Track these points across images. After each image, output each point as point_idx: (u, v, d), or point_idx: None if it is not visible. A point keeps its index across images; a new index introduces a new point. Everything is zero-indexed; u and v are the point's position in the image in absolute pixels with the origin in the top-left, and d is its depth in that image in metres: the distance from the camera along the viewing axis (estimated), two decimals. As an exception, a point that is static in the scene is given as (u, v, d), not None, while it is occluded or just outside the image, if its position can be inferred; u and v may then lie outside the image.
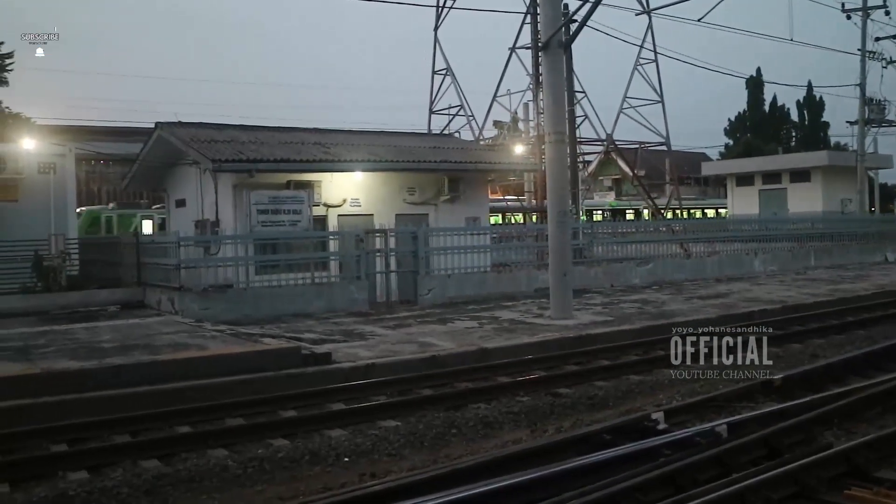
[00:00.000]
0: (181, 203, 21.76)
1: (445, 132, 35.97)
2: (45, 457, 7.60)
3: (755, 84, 68.34)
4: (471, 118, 37.75)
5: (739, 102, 73.82)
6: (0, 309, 17.28)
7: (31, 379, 9.71)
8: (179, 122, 21.29)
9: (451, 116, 38.27)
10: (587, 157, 37.83)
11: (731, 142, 70.13)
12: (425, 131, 36.03)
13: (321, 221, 19.48)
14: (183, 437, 8.24)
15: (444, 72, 38.15)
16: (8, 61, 33.41)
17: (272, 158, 18.74)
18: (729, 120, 73.16)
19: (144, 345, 12.15)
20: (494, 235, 22.53)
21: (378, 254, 18.54)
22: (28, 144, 21.75)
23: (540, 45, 16.61)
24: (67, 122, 40.33)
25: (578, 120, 32.77)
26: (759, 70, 68.94)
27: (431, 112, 39.10)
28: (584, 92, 33.87)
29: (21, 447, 7.89)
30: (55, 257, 19.40)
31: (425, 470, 6.53)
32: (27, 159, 20.67)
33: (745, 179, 45.28)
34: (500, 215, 37.68)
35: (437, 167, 21.48)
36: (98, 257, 21.89)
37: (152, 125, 21.37)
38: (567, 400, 9.62)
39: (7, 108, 34.15)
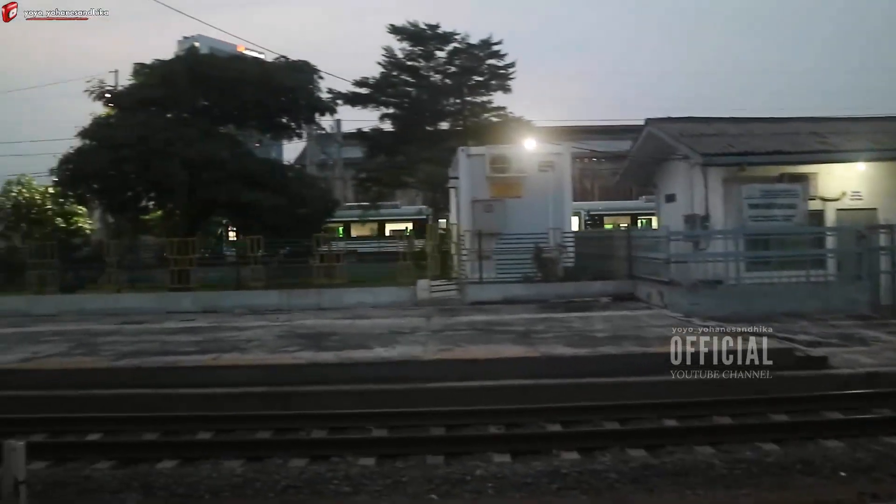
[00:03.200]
0: (671, 198, 21.96)
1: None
2: (542, 435, 8.21)
3: None
4: None
5: None
6: (506, 296, 19.25)
7: (532, 361, 10.70)
8: (668, 118, 21.56)
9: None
10: None
11: None
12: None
13: (817, 216, 18.43)
14: (669, 430, 8.32)
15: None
16: (511, 70, 36.53)
17: (763, 151, 18.30)
18: None
19: (634, 336, 12.52)
20: None
21: (882, 252, 16.86)
22: (529, 145, 23.71)
23: None
24: (563, 123, 42.85)
25: None
26: None
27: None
28: None
29: (520, 423, 8.61)
30: (553, 250, 20.85)
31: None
32: (529, 159, 22.58)
33: None
34: None
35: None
36: (592, 251, 23.02)
37: (642, 122, 21.90)
38: None
39: (511, 112, 37.20)
